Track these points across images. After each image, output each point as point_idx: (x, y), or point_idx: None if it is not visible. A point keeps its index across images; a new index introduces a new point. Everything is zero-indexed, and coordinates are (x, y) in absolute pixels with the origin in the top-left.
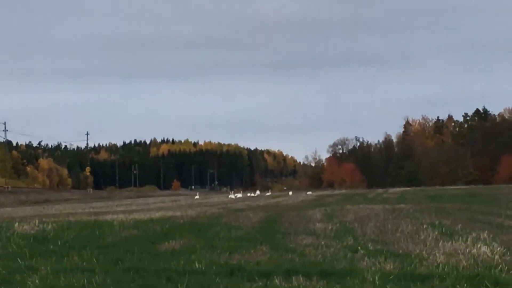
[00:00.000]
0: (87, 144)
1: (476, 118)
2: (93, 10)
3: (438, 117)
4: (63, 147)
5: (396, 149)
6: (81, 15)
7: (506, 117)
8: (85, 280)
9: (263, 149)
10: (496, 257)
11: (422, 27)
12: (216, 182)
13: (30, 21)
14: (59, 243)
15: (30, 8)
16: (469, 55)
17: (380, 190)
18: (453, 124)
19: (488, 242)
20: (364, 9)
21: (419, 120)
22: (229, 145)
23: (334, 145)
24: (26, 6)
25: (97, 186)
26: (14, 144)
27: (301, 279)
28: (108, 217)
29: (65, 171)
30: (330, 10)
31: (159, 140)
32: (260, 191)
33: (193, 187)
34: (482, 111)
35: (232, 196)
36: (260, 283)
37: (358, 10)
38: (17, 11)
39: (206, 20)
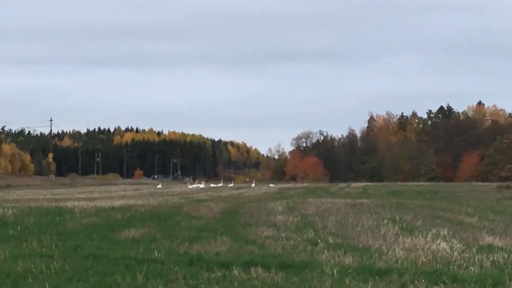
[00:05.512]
0: (51, 130)
1: (440, 116)
2: None
3: (402, 113)
4: (26, 132)
5: (359, 144)
6: (46, 1)
7: (470, 115)
8: (44, 266)
9: (227, 140)
10: (455, 253)
11: (388, 24)
12: (179, 172)
13: None
14: (18, 228)
15: None
16: (435, 52)
17: (342, 185)
18: (417, 120)
19: (447, 238)
20: (330, 4)
21: (383, 116)
22: (193, 135)
23: (298, 138)
24: None
25: (60, 172)
26: None
27: (260, 270)
28: (69, 204)
29: (27, 157)
30: (295, 3)
31: (123, 128)
32: (223, 182)
33: (155, 176)
34: (446, 108)
35: (190, 186)
36: (219, 273)
37: (324, 4)
38: None
39: (174, 10)
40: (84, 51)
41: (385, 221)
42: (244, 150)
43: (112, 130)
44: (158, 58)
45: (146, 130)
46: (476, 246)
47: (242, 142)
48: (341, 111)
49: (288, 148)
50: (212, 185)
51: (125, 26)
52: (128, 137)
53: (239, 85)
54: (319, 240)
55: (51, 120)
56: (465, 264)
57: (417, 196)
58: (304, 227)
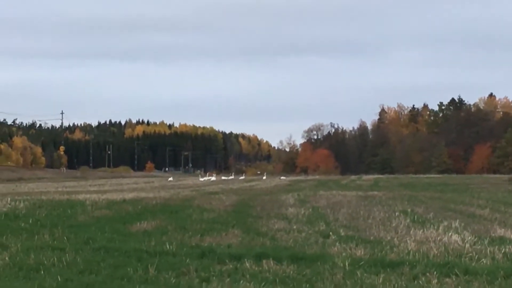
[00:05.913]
0: (62, 123)
1: (451, 108)
2: None
3: (413, 105)
4: (37, 125)
5: (370, 136)
6: None
7: (481, 107)
8: (55, 259)
9: (238, 133)
10: (467, 245)
11: (398, 16)
12: (190, 165)
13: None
14: (30, 221)
15: None
16: (446, 45)
17: (353, 177)
18: (428, 113)
19: (459, 230)
20: None
21: (395, 108)
22: (204, 128)
23: (309, 130)
24: None
25: (71, 165)
26: None
27: (271, 262)
28: (81, 196)
29: (39, 150)
30: None
31: (134, 121)
32: (234, 174)
33: (167, 169)
34: (457, 100)
35: (202, 179)
36: (231, 266)
37: None
38: None
39: (185, 3)
40: (95, 44)
41: (397, 213)
42: (255, 142)
43: (123, 123)
44: (169, 51)
45: (157, 123)
46: (487, 238)
47: (253, 134)
48: (352, 103)
49: (299, 140)
50: (223, 177)
51: (135, 19)
52: (139, 129)
53: (250, 78)
54: (330, 233)
55: (62, 113)
56: (477, 256)
57: (429, 188)
58: (316, 219)
